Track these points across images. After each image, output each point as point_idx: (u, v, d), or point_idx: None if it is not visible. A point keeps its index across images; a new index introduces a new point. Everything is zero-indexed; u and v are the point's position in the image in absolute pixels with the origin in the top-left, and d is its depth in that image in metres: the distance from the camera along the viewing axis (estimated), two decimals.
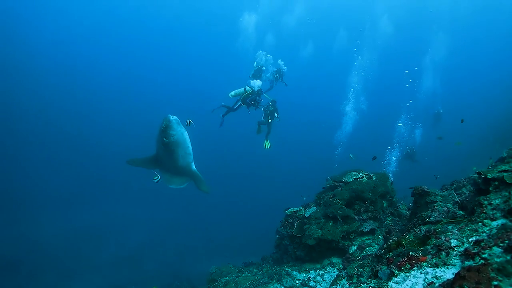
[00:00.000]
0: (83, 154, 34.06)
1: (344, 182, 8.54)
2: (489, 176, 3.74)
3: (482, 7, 35.46)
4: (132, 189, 28.07)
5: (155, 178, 7.72)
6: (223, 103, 12.74)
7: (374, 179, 8.37)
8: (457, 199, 4.66)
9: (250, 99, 12.42)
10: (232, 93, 12.54)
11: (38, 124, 36.19)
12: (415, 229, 4.24)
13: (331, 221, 7.61)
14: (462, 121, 8.73)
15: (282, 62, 15.75)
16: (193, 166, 8.04)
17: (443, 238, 3.14)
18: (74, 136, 36.51)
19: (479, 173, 3.95)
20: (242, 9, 29.77)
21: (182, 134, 7.45)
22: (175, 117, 7.28)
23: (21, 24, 38.97)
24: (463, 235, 3.10)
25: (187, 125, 7.42)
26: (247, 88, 12.39)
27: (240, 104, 12.48)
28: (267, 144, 13.32)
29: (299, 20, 33.96)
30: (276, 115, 12.76)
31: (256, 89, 12.40)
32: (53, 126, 36.76)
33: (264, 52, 16.45)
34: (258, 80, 13.02)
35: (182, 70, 49.15)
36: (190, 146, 7.73)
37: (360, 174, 8.63)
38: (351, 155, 11.35)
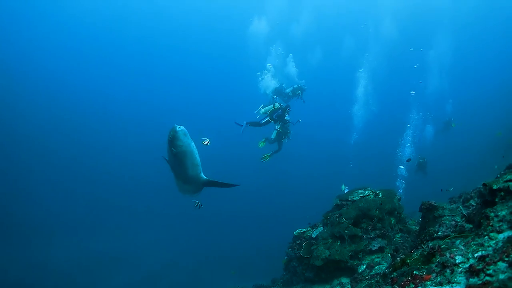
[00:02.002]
0: (97, 180, 34.16)
1: (351, 201, 8.39)
2: (494, 187, 3.59)
3: (486, 5, 35.32)
4: (144, 213, 28.04)
5: (196, 205, 7.67)
6: (246, 122, 12.81)
7: (380, 196, 8.21)
8: (464, 212, 4.50)
9: (276, 115, 12.51)
10: (263, 110, 12.65)
11: (52, 149, 36.38)
12: (423, 245, 4.09)
13: (339, 241, 7.43)
14: (453, 125, 8.27)
15: (293, 64, 15.87)
16: (203, 176, 7.83)
17: (448, 255, 2.99)
18: (88, 162, 36.65)
19: (484, 184, 3.82)
20: (249, 17, 30.17)
21: (189, 145, 7.20)
22: (182, 127, 7.06)
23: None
24: (469, 250, 2.94)
25: (205, 144, 7.31)
26: (276, 104, 12.54)
27: (268, 120, 12.56)
28: (266, 157, 13.13)
29: (306, 28, 34.12)
30: (288, 134, 12.74)
31: (284, 105, 12.59)
32: (67, 151, 36.93)
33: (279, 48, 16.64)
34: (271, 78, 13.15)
35: (192, 81, 48.81)
36: (198, 157, 7.49)
37: (367, 192, 8.49)
38: (342, 187, 11.17)
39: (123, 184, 33.65)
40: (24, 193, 29.87)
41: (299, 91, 14.53)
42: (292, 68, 15.94)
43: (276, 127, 12.53)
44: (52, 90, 41.78)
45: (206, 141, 7.33)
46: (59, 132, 38.53)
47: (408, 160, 14.63)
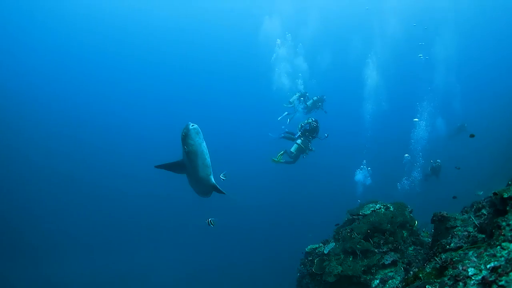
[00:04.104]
0: (107, 196, 34.11)
1: (362, 215, 8.32)
2: (505, 196, 3.54)
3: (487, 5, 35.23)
4: (154, 229, 27.88)
5: (223, 176, 7.56)
6: (287, 130, 13.13)
7: (391, 209, 8.13)
8: (476, 222, 4.42)
9: (303, 129, 12.61)
10: (301, 123, 12.85)
11: (61, 166, 36.32)
12: (436, 258, 4.02)
13: (351, 256, 7.33)
14: (472, 135, 7.30)
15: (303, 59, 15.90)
16: (212, 179, 7.77)
17: (460, 267, 2.93)
18: (98, 178, 36.57)
19: (495, 193, 3.76)
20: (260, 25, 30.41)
21: (200, 145, 7.12)
22: (195, 126, 6.97)
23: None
24: (481, 262, 2.88)
25: (223, 178, 7.31)
26: (309, 119, 12.67)
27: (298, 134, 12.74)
28: (278, 157, 12.93)
29: (314, 32, 34.19)
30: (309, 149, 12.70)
31: (310, 119, 12.72)
32: (77, 169, 36.84)
33: (288, 34, 16.72)
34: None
35: (203, 86, 48.04)
36: (208, 158, 7.44)
37: (378, 206, 8.41)
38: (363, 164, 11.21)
39: (133, 200, 33.57)
40: (33, 210, 29.93)
41: (319, 103, 14.68)
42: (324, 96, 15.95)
43: (298, 141, 12.51)
44: (71, 107, 42.09)
45: (223, 176, 7.35)
46: (68, 150, 38.66)
47: (458, 168, 14.37)
